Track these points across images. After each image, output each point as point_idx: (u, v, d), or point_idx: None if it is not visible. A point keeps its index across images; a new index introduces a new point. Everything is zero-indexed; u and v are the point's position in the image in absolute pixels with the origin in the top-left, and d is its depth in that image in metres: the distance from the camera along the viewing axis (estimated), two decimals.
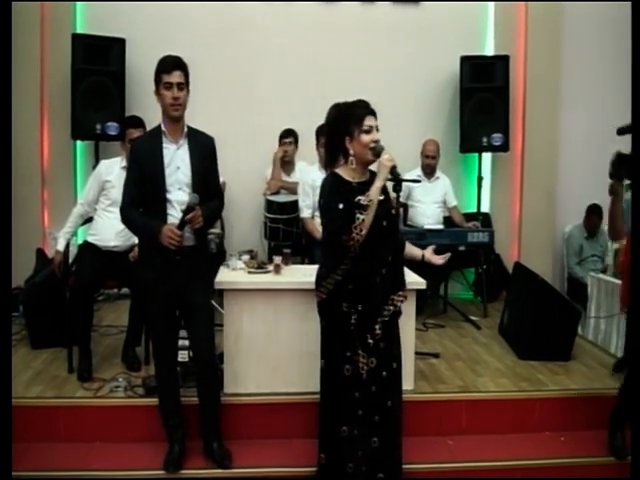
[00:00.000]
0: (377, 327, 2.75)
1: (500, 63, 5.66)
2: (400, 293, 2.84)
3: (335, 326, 2.81)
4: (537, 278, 4.45)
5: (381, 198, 2.75)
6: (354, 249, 2.69)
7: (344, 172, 2.82)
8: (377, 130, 2.77)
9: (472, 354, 4.28)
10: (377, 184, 2.72)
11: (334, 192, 2.76)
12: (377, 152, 2.74)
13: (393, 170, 2.73)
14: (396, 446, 2.87)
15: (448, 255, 3.11)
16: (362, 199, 2.67)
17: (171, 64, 2.97)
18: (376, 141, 2.75)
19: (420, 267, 3.38)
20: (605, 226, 5.89)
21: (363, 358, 2.76)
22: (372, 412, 2.79)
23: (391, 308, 2.80)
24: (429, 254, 3.09)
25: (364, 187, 2.74)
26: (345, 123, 2.76)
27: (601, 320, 4.84)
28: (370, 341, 2.74)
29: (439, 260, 3.09)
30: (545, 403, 3.61)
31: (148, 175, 2.98)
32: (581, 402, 3.61)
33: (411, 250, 3.11)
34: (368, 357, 2.76)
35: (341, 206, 2.70)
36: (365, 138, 2.74)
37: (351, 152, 2.77)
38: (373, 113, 2.77)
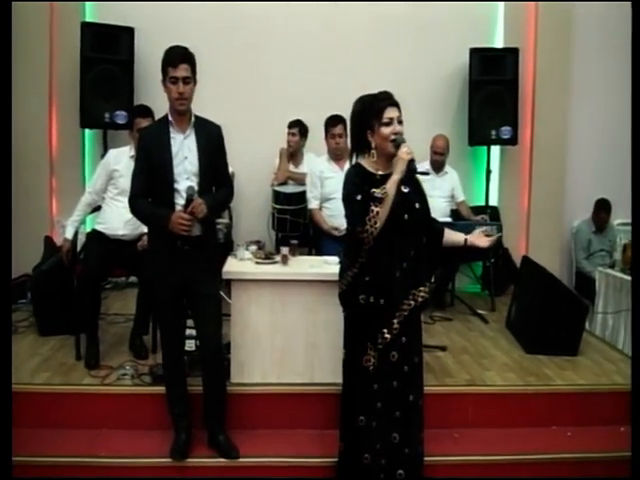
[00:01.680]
0: (395, 322, 2.72)
1: (510, 56, 5.62)
2: (421, 288, 2.78)
3: (354, 317, 2.81)
4: (545, 272, 4.44)
5: (405, 191, 2.74)
6: (368, 241, 2.66)
7: (368, 164, 2.79)
8: (400, 122, 2.71)
9: (479, 348, 4.27)
10: (394, 177, 2.68)
11: (355, 183, 2.74)
12: (397, 145, 2.69)
13: (410, 164, 2.69)
14: (417, 441, 2.85)
15: (495, 237, 2.98)
16: (377, 191, 2.64)
17: (177, 57, 2.94)
18: (397, 133, 2.70)
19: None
20: (614, 221, 5.89)
21: (371, 351, 2.74)
22: (393, 407, 2.78)
23: (412, 303, 2.75)
24: (473, 238, 2.95)
25: (387, 180, 2.70)
26: (366, 116, 2.73)
27: (609, 315, 4.83)
28: (387, 336, 2.72)
29: (485, 242, 2.95)
30: (552, 398, 3.61)
31: (156, 165, 2.97)
32: (588, 397, 3.60)
33: (451, 236, 2.98)
34: (382, 351, 2.73)
35: (359, 197, 2.68)
36: (385, 131, 2.69)
37: (373, 145, 2.74)
38: (395, 104, 2.73)
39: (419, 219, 2.80)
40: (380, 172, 2.75)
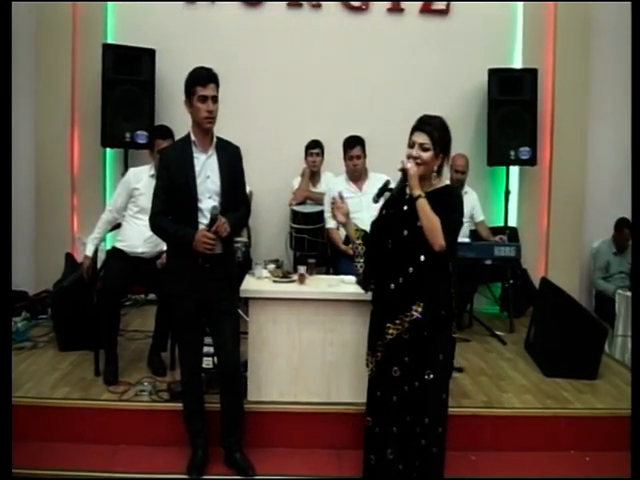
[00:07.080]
0: (387, 331, 2.74)
1: (528, 76, 5.64)
2: (413, 306, 2.70)
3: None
4: (563, 294, 4.41)
5: (404, 209, 2.76)
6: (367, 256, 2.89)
7: None
8: (423, 148, 2.71)
9: (497, 369, 4.24)
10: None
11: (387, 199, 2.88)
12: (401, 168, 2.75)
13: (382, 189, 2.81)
14: (416, 464, 2.76)
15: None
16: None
17: (207, 77, 2.98)
18: (412, 157, 2.72)
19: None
20: None
21: (369, 356, 2.84)
22: (390, 422, 2.78)
23: (407, 319, 2.70)
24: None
25: (412, 200, 2.71)
26: None
27: (628, 338, 4.77)
28: (380, 348, 2.78)
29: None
30: (570, 421, 3.56)
31: (179, 183, 3.00)
32: (607, 422, 3.55)
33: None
34: (383, 362, 2.78)
35: (384, 212, 2.86)
36: (406, 152, 2.76)
37: None
38: (420, 129, 2.73)
39: (419, 236, 2.72)
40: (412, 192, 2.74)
